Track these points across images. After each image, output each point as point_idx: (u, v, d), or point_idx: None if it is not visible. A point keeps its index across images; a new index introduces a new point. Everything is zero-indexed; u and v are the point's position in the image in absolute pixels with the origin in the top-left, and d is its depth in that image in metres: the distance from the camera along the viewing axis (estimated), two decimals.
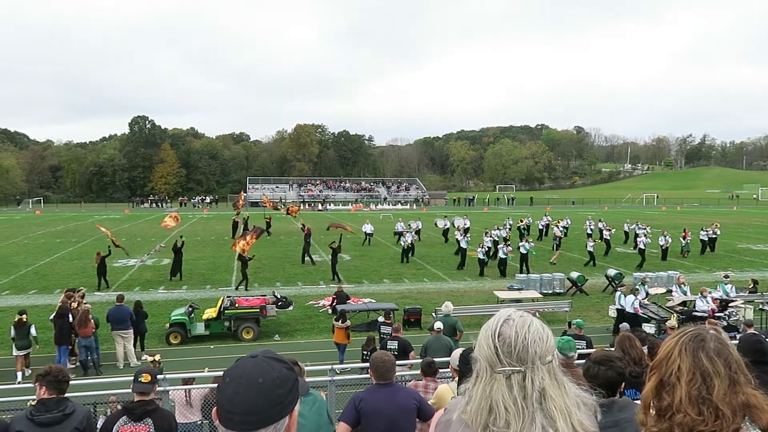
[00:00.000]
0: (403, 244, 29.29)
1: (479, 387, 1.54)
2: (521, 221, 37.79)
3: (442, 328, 10.72)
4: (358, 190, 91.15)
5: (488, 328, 1.58)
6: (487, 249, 26.46)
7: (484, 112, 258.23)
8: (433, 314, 16.77)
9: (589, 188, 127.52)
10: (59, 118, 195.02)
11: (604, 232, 32.54)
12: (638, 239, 28.32)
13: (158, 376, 7.29)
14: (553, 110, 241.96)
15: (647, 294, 17.05)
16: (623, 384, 3.40)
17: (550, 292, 20.99)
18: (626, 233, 37.80)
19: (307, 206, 77.05)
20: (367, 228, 35.48)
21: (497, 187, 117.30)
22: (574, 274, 21.67)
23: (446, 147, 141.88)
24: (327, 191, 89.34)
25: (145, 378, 5.02)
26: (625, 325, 12.41)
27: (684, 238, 30.85)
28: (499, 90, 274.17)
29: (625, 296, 15.57)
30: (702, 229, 32.56)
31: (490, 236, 28.48)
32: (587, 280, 21.77)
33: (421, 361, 7.05)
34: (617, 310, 15.90)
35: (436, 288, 22.54)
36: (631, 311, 15.22)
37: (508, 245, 25.80)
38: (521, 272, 24.09)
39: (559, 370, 1.55)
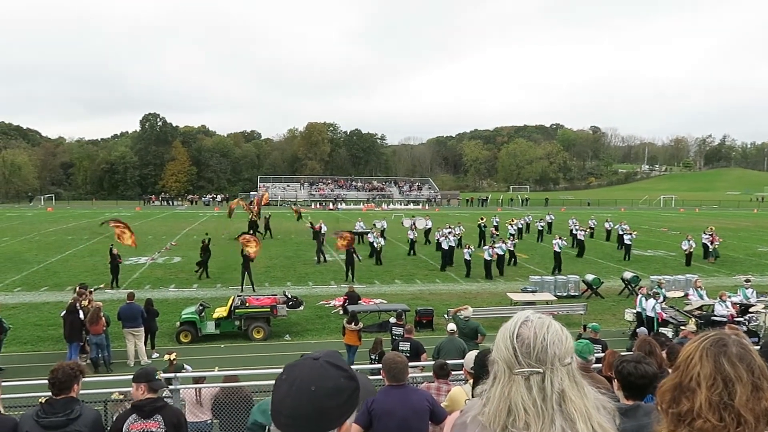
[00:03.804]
0: (376, 245, 28.35)
1: (497, 388, 1.54)
2: (481, 219, 37.23)
3: (455, 329, 10.70)
4: (369, 190, 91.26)
5: (506, 330, 1.58)
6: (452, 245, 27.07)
7: (498, 111, 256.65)
8: (445, 316, 16.76)
9: (605, 189, 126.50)
10: (71, 115, 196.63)
11: (577, 232, 32.16)
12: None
13: (177, 375, 7.36)
14: (569, 109, 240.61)
15: (665, 297, 16.91)
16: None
17: (565, 294, 20.94)
18: (608, 232, 37.48)
19: (318, 205, 77.28)
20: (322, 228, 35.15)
21: (511, 187, 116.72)
22: (590, 277, 21.55)
23: (459, 146, 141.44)
24: (338, 190, 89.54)
25: None
26: (643, 330, 12.31)
27: (712, 242, 29.92)
28: (513, 89, 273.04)
29: (646, 299, 15.44)
30: (704, 232, 31.16)
31: (453, 234, 28.48)
32: (603, 282, 21.66)
33: (433, 363, 7.05)
34: (637, 313, 15.78)
35: (448, 289, 22.51)
36: (652, 315, 15.09)
37: (493, 247, 25.41)
38: (501, 274, 25.08)
39: (578, 373, 1.56)
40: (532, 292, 20.33)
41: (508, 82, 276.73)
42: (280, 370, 1.48)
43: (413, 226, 33.45)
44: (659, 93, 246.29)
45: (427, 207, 78.34)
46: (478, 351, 5.41)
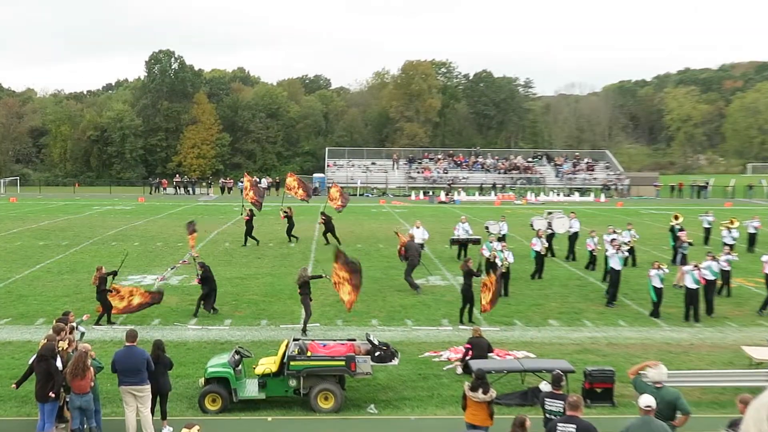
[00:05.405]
0: (499, 262, 26.60)
1: None
2: (675, 218, 35.33)
3: (653, 406, 10.48)
4: (506, 170, 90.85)
5: (761, 406, 1.59)
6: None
7: (724, 39, 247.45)
8: (634, 382, 16.41)
9: None
10: (43, 56, 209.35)
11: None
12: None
13: None
14: None
15: None
16: None
17: None
18: None
19: (422, 196, 77.82)
20: None
21: (750, 166, 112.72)
22: None
23: (659, 98, 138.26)
24: (455, 171, 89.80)
25: None
26: None
27: None
28: (752, 2, 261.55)
29: None
30: None
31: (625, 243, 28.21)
32: None
33: None
34: None
35: (639, 337, 22.05)
36: None
37: (698, 267, 24.12)
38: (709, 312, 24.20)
39: None
40: None
41: None
42: None
43: (544, 231, 32.49)
44: None
45: (603, 198, 76.93)
46: None
